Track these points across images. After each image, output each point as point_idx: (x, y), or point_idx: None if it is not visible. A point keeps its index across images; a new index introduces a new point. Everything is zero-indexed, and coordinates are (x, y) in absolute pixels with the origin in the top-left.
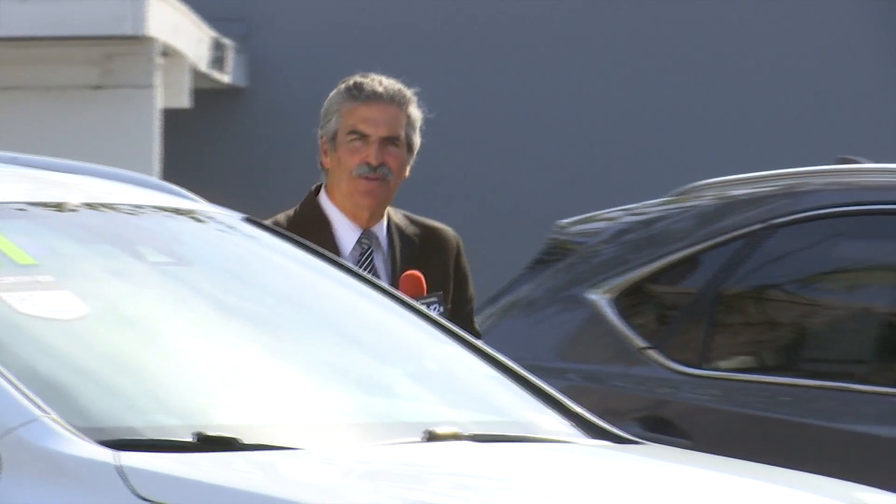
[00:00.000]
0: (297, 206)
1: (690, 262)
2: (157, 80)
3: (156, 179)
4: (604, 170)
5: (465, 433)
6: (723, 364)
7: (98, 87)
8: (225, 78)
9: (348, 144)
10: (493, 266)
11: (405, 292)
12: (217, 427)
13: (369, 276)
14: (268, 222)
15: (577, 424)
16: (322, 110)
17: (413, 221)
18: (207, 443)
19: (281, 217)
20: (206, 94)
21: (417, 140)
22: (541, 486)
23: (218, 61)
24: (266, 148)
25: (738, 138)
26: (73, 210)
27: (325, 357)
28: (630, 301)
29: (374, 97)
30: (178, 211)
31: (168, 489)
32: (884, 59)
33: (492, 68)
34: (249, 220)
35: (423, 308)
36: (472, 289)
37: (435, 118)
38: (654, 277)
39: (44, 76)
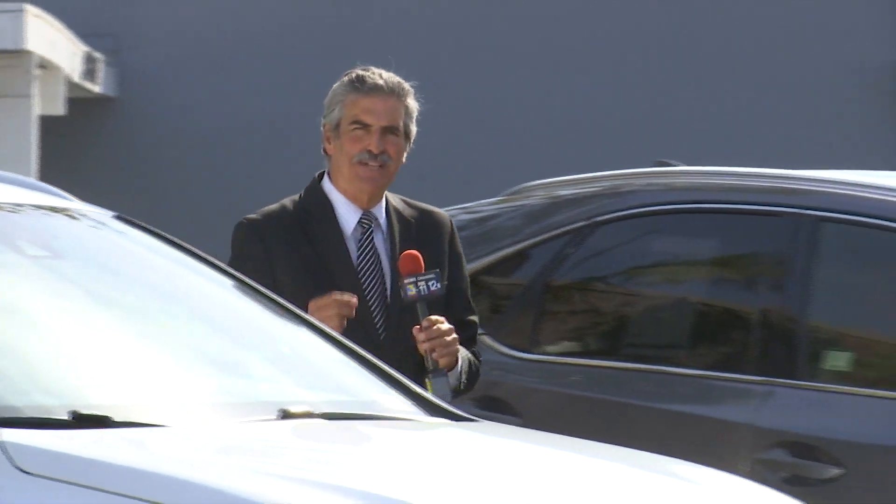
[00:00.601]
0: (302, 191)
1: (521, 257)
2: (35, 90)
3: (33, 180)
4: (442, 172)
5: (317, 412)
6: (550, 349)
7: None
8: (96, 88)
9: (351, 133)
10: None
11: (404, 269)
12: (91, 406)
13: (229, 269)
14: (275, 206)
15: (418, 403)
16: (325, 101)
17: (410, 205)
18: (82, 421)
19: (287, 201)
20: (80, 103)
21: (414, 129)
22: (385, 459)
23: (90, 73)
24: (135, 152)
25: (566, 143)
26: None
27: (188, 342)
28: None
29: (375, 89)
30: (54, 209)
31: (46, 463)
32: (691, 69)
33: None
34: (119, 218)
35: (279, 298)
36: (466, 268)
37: (287, 125)
38: (488, 270)
39: None
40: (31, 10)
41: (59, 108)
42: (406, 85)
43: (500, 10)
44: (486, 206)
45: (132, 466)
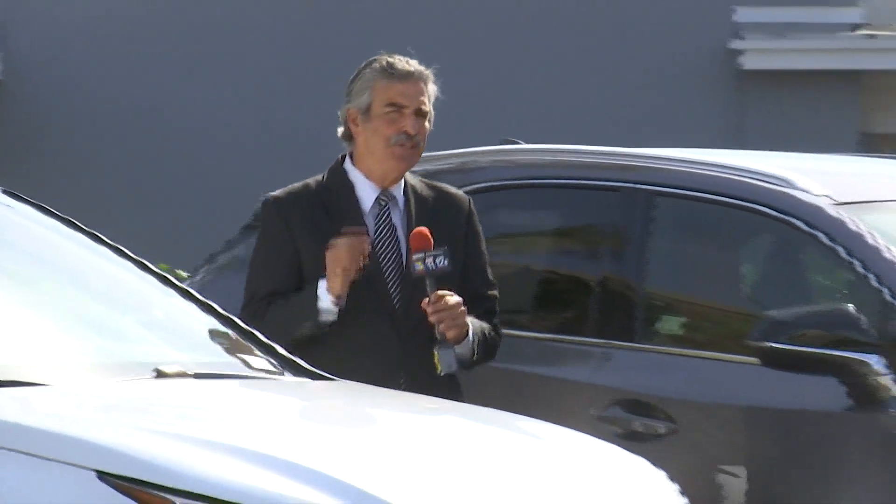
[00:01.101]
0: (326, 171)
1: None
2: None
3: None
4: (304, 149)
5: (189, 372)
6: None
7: None
8: None
9: (385, 116)
10: (211, 232)
11: (414, 246)
12: None
13: (110, 241)
14: (298, 185)
15: (282, 363)
16: (351, 87)
17: (428, 185)
18: None
19: (311, 180)
20: None
21: (433, 112)
22: (253, 412)
23: None
24: (21, 132)
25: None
26: None
27: (69, 308)
28: None
29: (407, 75)
30: None
31: None
32: (540, 52)
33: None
34: (5, 192)
35: (155, 267)
36: (484, 245)
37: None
38: None
39: None
40: None
41: None
42: (428, 72)
43: None
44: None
45: (16, 422)
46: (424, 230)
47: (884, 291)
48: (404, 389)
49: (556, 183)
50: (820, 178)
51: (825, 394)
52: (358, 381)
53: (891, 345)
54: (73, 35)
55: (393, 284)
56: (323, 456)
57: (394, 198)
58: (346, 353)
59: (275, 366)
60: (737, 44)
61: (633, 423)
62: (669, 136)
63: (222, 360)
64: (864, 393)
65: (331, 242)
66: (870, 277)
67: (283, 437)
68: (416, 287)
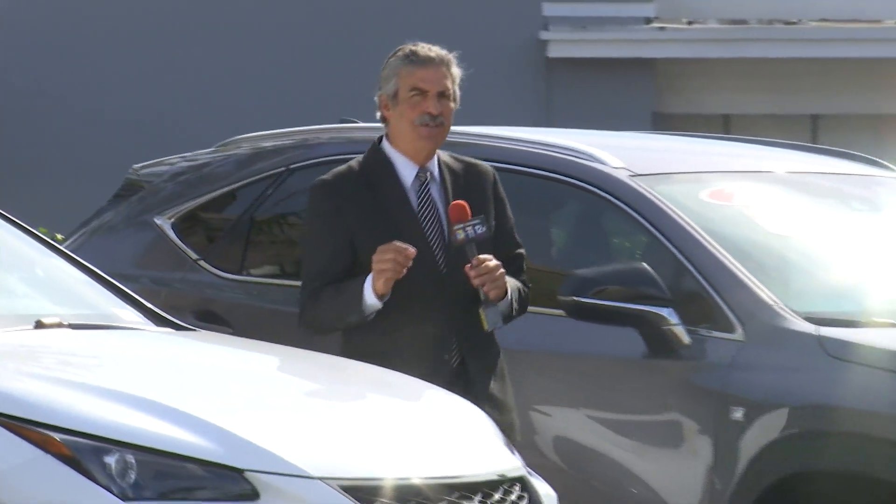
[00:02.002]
0: (364, 153)
1: (231, 196)
2: None
3: None
4: (168, 127)
5: (66, 323)
6: (254, 271)
7: None
8: None
9: (410, 100)
10: (84, 201)
11: (454, 218)
12: None
13: None
14: (343, 167)
15: (148, 316)
16: (382, 75)
17: (457, 159)
18: None
19: (353, 162)
20: None
21: (458, 92)
22: (123, 358)
23: None
24: None
25: (266, 103)
26: None
27: None
28: (186, 225)
29: (428, 61)
30: None
31: None
32: (377, 44)
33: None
34: None
35: (35, 231)
36: (509, 210)
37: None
38: (204, 207)
39: None
40: None
41: None
42: (450, 55)
43: None
44: (202, 154)
45: None
46: (462, 202)
47: (675, 252)
48: (455, 348)
49: None
50: (619, 153)
51: (625, 343)
52: (414, 345)
53: (681, 299)
54: (10, 29)
55: (438, 252)
56: (181, 396)
57: (431, 172)
58: (402, 319)
59: (142, 318)
60: (544, 35)
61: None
62: (486, 116)
63: (96, 312)
64: (658, 342)
65: (381, 244)
66: (663, 240)
67: (148, 380)
68: (458, 253)
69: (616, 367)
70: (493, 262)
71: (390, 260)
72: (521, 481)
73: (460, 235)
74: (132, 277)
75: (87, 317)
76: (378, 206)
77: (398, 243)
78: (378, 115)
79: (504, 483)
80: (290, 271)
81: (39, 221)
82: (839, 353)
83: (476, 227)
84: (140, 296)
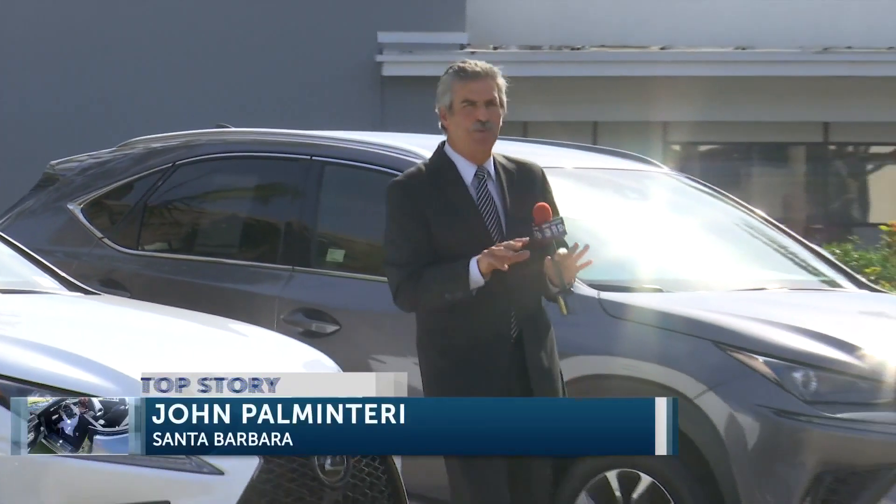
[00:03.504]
0: (430, 157)
1: (129, 187)
2: None
3: None
4: (79, 129)
5: None
6: (149, 247)
7: None
8: None
9: (463, 110)
10: (9, 189)
11: (538, 218)
12: None
13: None
14: (413, 169)
15: (62, 283)
16: (437, 91)
17: (509, 159)
18: None
19: (421, 164)
20: None
21: (505, 99)
22: (42, 316)
23: None
24: None
25: (157, 110)
26: None
27: None
28: (93, 210)
29: (475, 75)
30: None
31: None
32: (238, 58)
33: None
34: None
35: None
36: (555, 202)
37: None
38: (107, 196)
39: None
40: None
41: None
42: (496, 69)
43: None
44: (105, 153)
45: None
46: (545, 204)
47: None
48: (514, 323)
49: (254, 154)
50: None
51: None
52: (478, 321)
53: None
54: None
55: (496, 239)
56: (86, 345)
57: (488, 172)
58: (473, 303)
59: (57, 284)
60: (379, 57)
61: (310, 325)
62: (331, 124)
63: (20, 280)
64: None
65: (450, 234)
66: None
67: (60, 333)
68: (534, 244)
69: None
70: (572, 257)
71: (504, 257)
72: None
73: (547, 233)
74: (49, 252)
75: (13, 283)
76: (446, 201)
77: (507, 243)
78: (439, 124)
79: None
80: (178, 247)
81: None
82: (615, 312)
83: (558, 226)
84: (56, 267)
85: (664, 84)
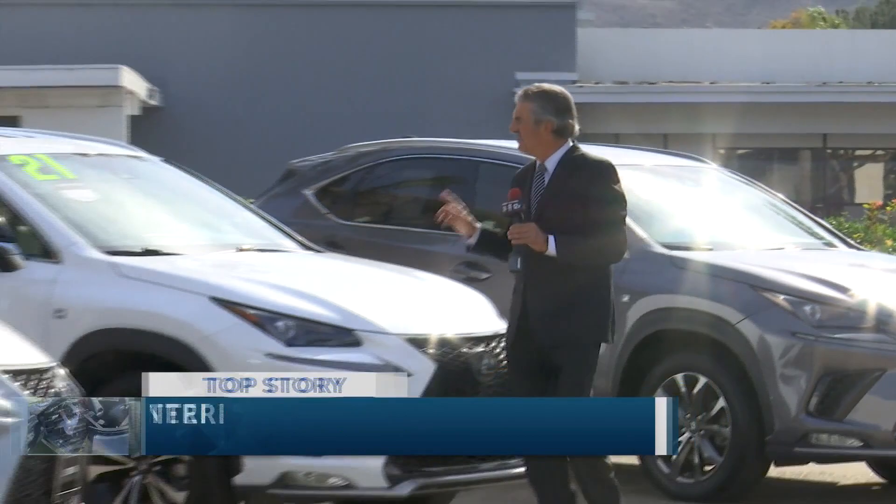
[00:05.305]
0: None
1: (346, 178)
2: (125, 103)
3: (125, 143)
4: (311, 137)
5: (255, 248)
6: (358, 219)
7: (100, 107)
8: (153, 102)
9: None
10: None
11: (508, 198)
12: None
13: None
14: (530, 164)
15: (299, 244)
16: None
17: (581, 155)
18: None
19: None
20: (146, 109)
21: (543, 116)
22: (285, 267)
23: (150, 94)
24: (173, 133)
25: (366, 126)
26: (86, 155)
27: (195, 217)
28: (320, 194)
29: (518, 97)
30: (134, 156)
31: None
32: (401, 91)
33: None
34: (166, 161)
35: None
36: (607, 200)
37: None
38: (331, 184)
39: (77, 100)
40: (123, 67)
41: (136, 111)
42: (530, 91)
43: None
44: (328, 155)
45: (182, 275)
46: (515, 189)
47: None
48: (521, 284)
49: (431, 156)
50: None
51: None
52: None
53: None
54: (204, 76)
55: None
56: (319, 287)
57: (544, 167)
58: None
59: (296, 245)
60: (516, 89)
61: (469, 273)
62: (479, 136)
63: (270, 242)
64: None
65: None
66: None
67: (299, 278)
68: (538, 222)
69: None
70: (522, 226)
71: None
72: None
73: (503, 209)
74: (290, 223)
75: (265, 244)
76: (528, 188)
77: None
78: None
79: (496, 338)
80: (377, 219)
81: (243, 193)
82: (680, 265)
83: (512, 205)
84: (294, 233)
85: (712, 108)
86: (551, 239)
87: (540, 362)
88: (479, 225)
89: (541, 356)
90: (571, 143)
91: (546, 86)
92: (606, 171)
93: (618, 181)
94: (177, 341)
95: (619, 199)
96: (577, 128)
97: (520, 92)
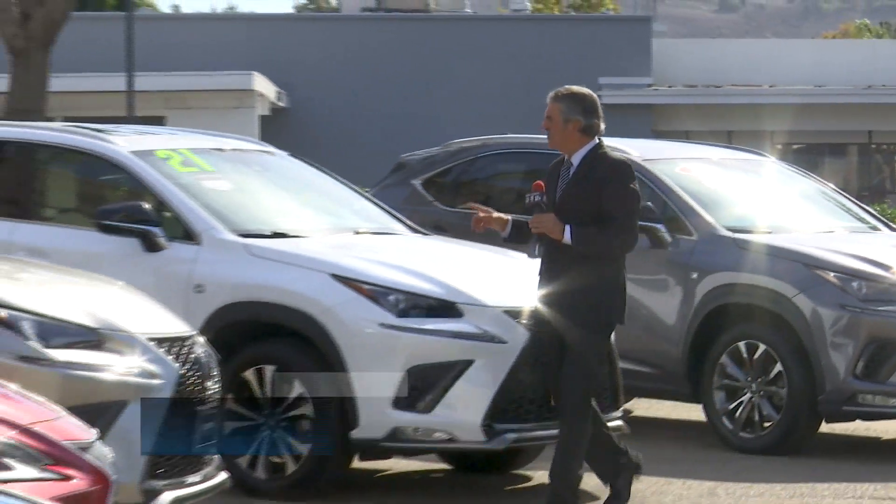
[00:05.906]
0: None
1: (449, 170)
2: (257, 104)
3: (257, 140)
4: (417, 135)
5: (370, 231)
6: (460, 206)
7: (235, 108)
8: (281, 104)
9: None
10: (374, 173)
11: (532, 190)
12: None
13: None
14: (556, 160)
15: (408, 227)
16: None
17: (603, 154)
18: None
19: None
20: (275, 110)
21: (572, 116)
22: (397, 247)
23: (279, 97)
24: (299, 133)
25: (466, 124)
26: (222, 150)
27: (337, 211)
28: (427, 184)
29: (549, 98)
30: (265, 151)
31: None
32: (505, 98)
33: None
34: (292, 155)
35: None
36: (620, 196)
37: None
38: (436, 175)
39: (215, 102)
40: (255, 73)
41: (266, 112)
42: (560, 93)
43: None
44: (434, 149)
45: (306, 254)
46: (540, 182)
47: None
48: (541, 268)
49: (524, 151)
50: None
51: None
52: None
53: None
54: (326, 81)
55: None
56: (426, 265)
57: (570, 162)
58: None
59: (405, 229)
60: (599, 92)
61: None
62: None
63: (384, 226)
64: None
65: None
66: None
67: (409, 257)
68: (559, 210)
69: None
70: (542, 217)
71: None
72: None
73: (526, 201)
74: (401, 209)
75: (379, 228)
76: (556, 182)
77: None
78: None
79: None
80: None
81: (359, 183)
82: (742, 246)
83: (535, 196)
84: (404, 218)
85: (771, 108)
86: (567, 229)
87: (560, 338)
88: (508, 217)
89: (559, 333)
90: (597, 141)
91: (575, 88)
92: (622, 170)
93: (633, 180)
94: (301, 313)
95: (632, 196)
96: (602, 126)
97: (551, 93)
